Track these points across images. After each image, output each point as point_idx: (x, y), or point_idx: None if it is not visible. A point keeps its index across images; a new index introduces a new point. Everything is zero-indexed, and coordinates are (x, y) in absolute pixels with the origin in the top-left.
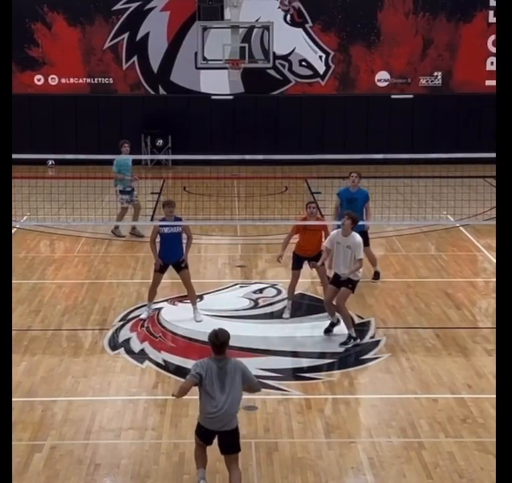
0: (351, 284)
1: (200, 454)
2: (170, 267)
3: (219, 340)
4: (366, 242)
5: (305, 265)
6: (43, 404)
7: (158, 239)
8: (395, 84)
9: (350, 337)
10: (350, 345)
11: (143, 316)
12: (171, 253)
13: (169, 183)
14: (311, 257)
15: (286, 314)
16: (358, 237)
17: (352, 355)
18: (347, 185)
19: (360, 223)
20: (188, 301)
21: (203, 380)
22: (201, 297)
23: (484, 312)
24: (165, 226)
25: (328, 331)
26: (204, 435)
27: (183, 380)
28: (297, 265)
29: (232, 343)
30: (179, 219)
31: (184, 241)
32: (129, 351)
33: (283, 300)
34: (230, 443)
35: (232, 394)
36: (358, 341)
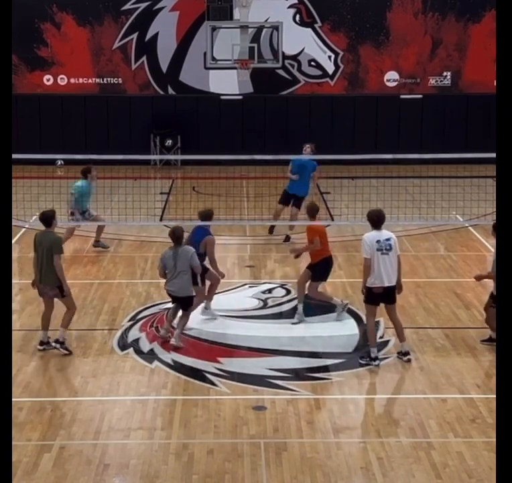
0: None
1: (172, 310)
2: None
3: (175, 235)
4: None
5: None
6: (52, 404)
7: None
8: (404, 84)
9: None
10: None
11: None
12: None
13: (178, 183)
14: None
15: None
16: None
17: (361, 355)
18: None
19: None
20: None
21: (164, 265)
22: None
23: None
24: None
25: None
26: (172, 298)
27: (193, 380)
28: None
29: (241, 343)
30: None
31: None
32: (138, 351)
33: (292, 300)
34: (186, 306)
35: (181, 267)
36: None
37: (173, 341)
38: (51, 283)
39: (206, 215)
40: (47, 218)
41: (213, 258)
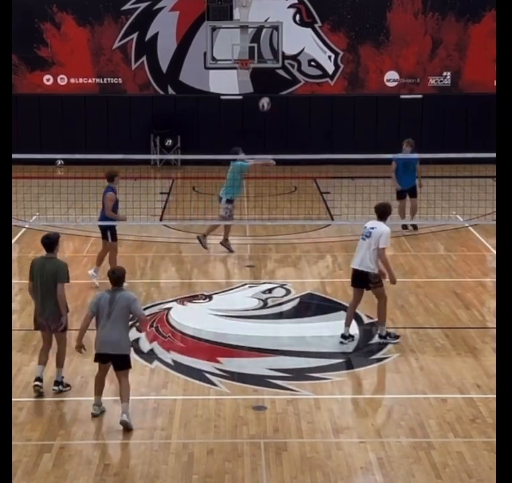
0: None
1: (98, 381)
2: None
3: (115, 274)
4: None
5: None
6: (53, 404)
7: None
8: (404, 84)
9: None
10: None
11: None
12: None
13: (179, 183)
14: None
15: None
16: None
17: (361, 356)
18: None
19: None
20: (198, 301)
21: (98, 311)
22: (210, 297)
23: (493, 312)
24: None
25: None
26: (99, 358)
27: (193, 380)
28: None
29: (241, 343)
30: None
31: None
32: (138, 351)
33: (292, 300)
34: (120, 367)
35: (117, 321)
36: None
37: (125, 417)
38: (54, 315)
39: (109, 176)
40: (52, 242)
41: (109, 210)
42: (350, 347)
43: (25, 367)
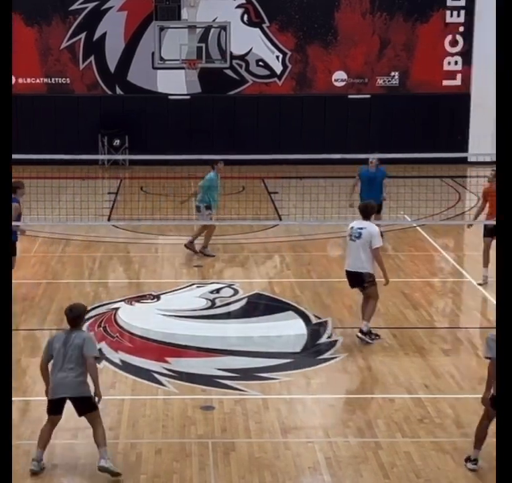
0: None
1: (45, 433)
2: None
3: (73, 313)
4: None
5: None
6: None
7: None
8: (352, 84)
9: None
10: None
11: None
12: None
13: (127, 183)
14: None
15: None
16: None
17: (309, 356)
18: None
19: None
20: (146, 301)
21: (53, 353)
22: (158, 297)
23: (441, 313)
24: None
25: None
26: (52, 405)
27: (141, 380)
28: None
29: (189, 343)
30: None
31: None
32: None
33: (240, 300)
34: (83, 410)
35: (72, 362)
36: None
37: (103, 463)
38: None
39: (13, 188)
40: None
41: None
42: (298, 347)
43: None
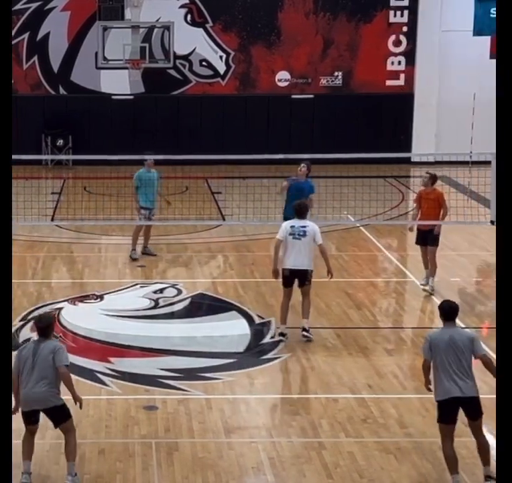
0: None
1: (26, 444)
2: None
3: (42, 323)
4: None
5: None
6: None
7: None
8: (295, 84)
9: None
10: None
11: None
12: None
13: (70, 183)
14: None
15: None
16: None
17: (253, 355)
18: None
19: None
20: (89, 301)
21: (21, 364)
22: (101, 297)
23: (384, 313)
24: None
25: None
26: (27, 417)
27: (84, 380)
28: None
29: (132, 343)
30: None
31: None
32: None
33: (183, 300)
34: (59, 419)
35: (42, 373)
36: None
37: (69, 480)
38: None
39: None
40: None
41: None
42: (241, 346)
43: None
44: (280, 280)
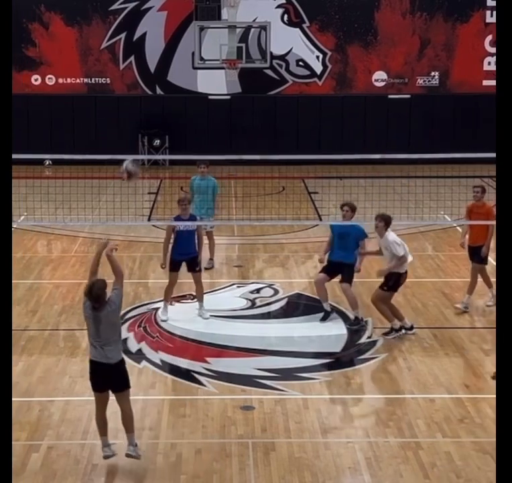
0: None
1: (100, 419)
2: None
3: (92, 293)
4: (349, 280)
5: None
6: (41, 404)
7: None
8: (392, 84)
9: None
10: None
11: (164, 317)
12: (186, 250)
13: (167, 183)
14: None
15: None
16: (390, 236)
17: (350, 355)
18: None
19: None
20: (186, 301)
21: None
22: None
23: (481, 312)
24: (181, 224)
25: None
26: (94, 377)
27: (181, 380)
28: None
29: (229, 343)
30: (194, 217)
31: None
32: (126, 351)
33: (280, 300)
34: (118, 379)
35: (108, 332)
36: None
37: (130, 451)
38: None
39: None
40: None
41: None
42: (338, 346)
43: (13, 366)
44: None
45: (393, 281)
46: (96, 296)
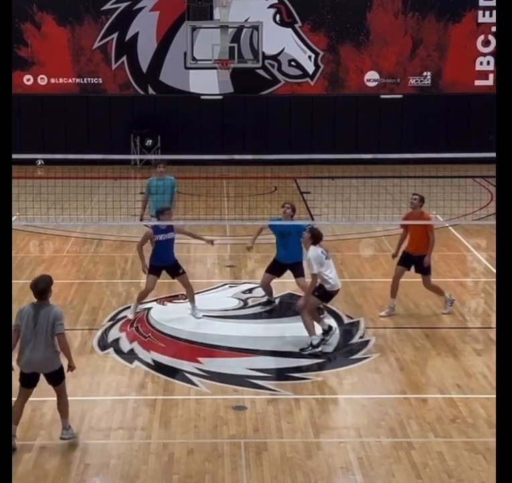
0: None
1: (17, 407)
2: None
3: (37, 288)
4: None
5: None
6: (33, 405)
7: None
8: (384, 84)
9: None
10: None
11: (130, 316)
12: (165, 258)
13: None
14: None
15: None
16: (312, 252)
17: (342, 355)
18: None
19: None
20: (178, 301)
21: (20, 326)
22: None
23: (473, 313)
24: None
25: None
26: (24, 380)
27: (173, 380)
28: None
29: (221, 343)
30: (172, 227)
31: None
32: (118, 351)
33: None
34: (56, 381)
35: (43, 338)
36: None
37: (64, 434)
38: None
39: None
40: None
41: None
42: (330, 347)
43: None
44: None
45: (323, 291)
46: (40, 290)
